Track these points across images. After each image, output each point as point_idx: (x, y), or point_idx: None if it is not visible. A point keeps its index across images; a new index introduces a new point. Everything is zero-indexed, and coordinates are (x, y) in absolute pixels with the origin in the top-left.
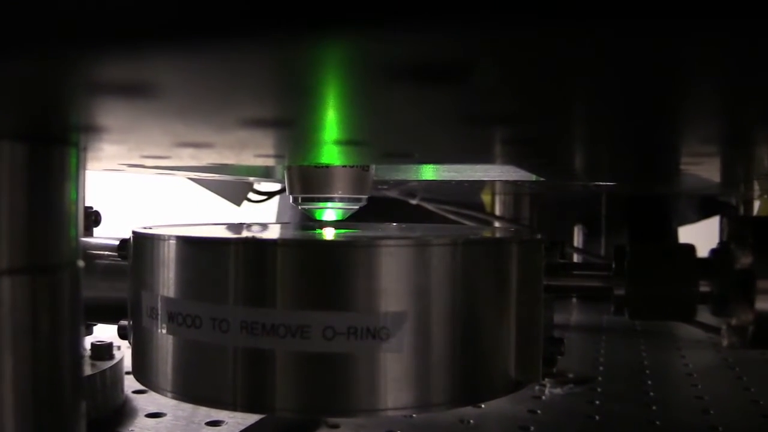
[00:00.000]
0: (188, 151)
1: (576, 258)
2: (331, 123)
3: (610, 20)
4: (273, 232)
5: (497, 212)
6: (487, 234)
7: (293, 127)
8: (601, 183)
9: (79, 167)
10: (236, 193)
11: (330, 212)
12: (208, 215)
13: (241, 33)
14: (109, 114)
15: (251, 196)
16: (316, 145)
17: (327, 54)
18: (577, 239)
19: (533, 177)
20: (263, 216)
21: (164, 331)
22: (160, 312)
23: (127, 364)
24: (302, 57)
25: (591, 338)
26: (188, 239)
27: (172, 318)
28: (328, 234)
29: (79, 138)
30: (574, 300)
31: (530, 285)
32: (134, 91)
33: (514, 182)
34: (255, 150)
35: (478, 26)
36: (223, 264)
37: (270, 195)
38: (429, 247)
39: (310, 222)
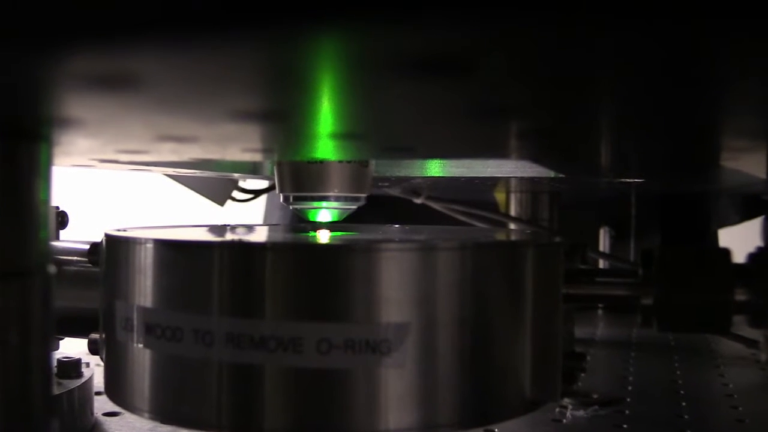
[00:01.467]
0: (169, 146)
1: (602, 264)
2: (326, 115)
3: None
4: (261, 235)
5: (512, 213)
6: (499, 237)
7: (286, 120)
8: (628, 180)
9: (49, 164)
10: (219, 192)
11: (325, 213)
12: (188, 216)
13: (231, 25)
14: (87, 106)
15: (236, 194)
16: (310, 139)
17: (323, 47)
18: (604, 243)
19: (551, 173)
20: (249, 217)
21: (141, 344)
22: (136, 324)
23: (98, 383)
24: (297, 50)
25: (619, 355)
26: (168, 243)
27: (149, 330)
28: (323, 237)
29: (50, 132)
30: (600, 312)
31: (548, 293)
32: (116, 83)
33: (531, 179)
34: (243, 144)
35: (485, 17)
36: (206, 270)
37: (257, 193)
38: (435, 252)
39: (303, 224)
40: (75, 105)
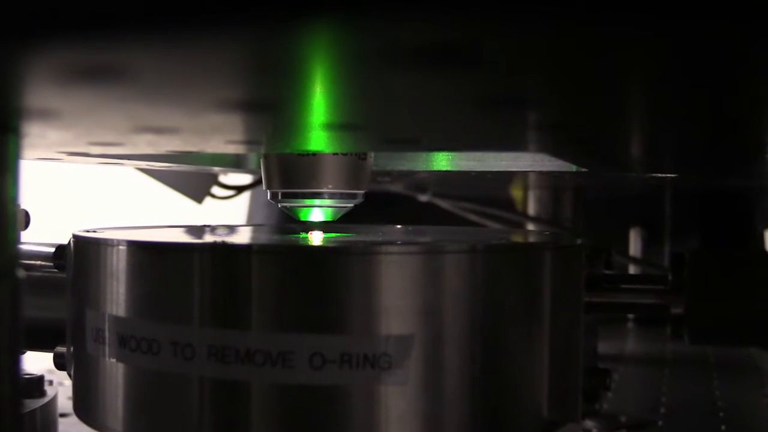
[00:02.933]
0: (147, 137)
1: (632, 269)
2: (320, 105)
3: None
4: (246, 236)
5: (531, 211)
6: (514, 238)
7: (276, 110)
8: (661, 175)
9: (17, 158)
10: (197, 187)
11: (317, 211)
12: (162, 215)
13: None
14: (65, 97)
15: (216, 190)
16: (302, 130)
17: (316, 39)
18: (635, 245)
19: (573, 167)
20: (231, 216)
21: (114, 358)
22: (108, 335)
23: (62, 403)
24: (288, 41)
25: (651, 372)
26: (143, 245)
27: (123, 342)
28: (316, 238)
29: (19, 124)
30: (630, 324)
31: (567, 301)
32: (97, 74)
33: (551, 174)
34: (228, 135)
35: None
36: (186, 275)
37: (240, 190)
38: (441, 255)
39: (292, 224)
40: (52, 96)
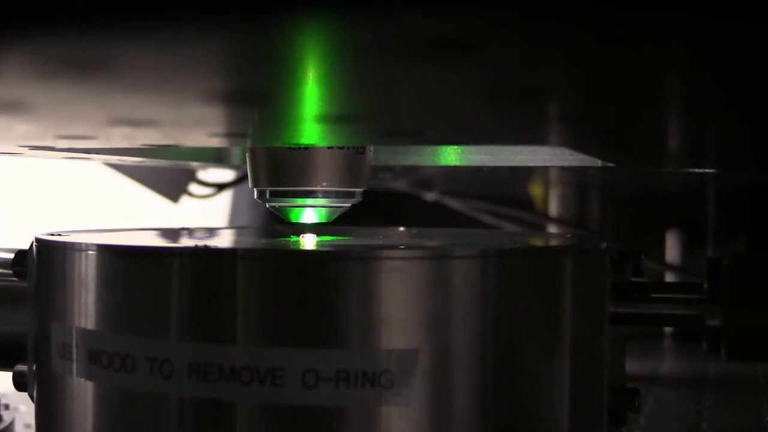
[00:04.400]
0: (123, 130)
1: (669, 277)
2: (314, 95)
3: None
4: (230, 240)
5: (552, 212)
6: (531, 242)
7: (266, 101)
8: (701, 170)
9: None
10: (173, 185)
11: (310, 212)
12: (133, 215)
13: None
14: (40, 89)
15: (193, 188)
16: (293, 121)
17: (309, 29)
18: (672, 250)
19: (598, 162)
20: (211, 217)
21: (82, 376)
22: (76, 350)
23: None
24: (279, 31)
25: (690, 394)
26: (116, 250)
27: (93, 358)
28: (308, 242)
29: None
30: (666, 340)
31: (590, 312)
32: (76, 65)
33: (574, 169)
34: (212, 127)
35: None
36: (163, 283)
37: (220, 187)
38: (450, 261)
39: (282, 226)
40: (26, 88)
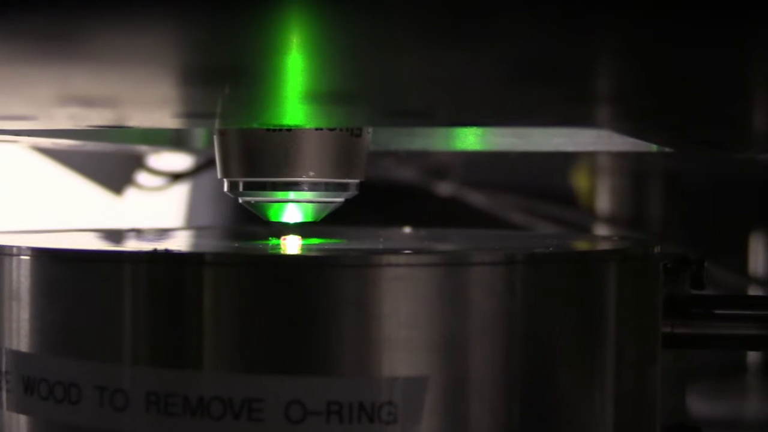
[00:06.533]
0: (71, 110)
1: (753, 290)
2: (300, 70)
3: None
4: (194, 243)
5: (602, 209)
6: (566, 246)
7: (245, 76)
8: None
9: None
10: (116, 174)
11: (294, 209)
12: (62, 211)
13: None
14: None
15: (142, 178)
16: (278, 100)
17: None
18: (757, 257)
19: (653, 147)
20: (163, 214)
21: (16, 409)
22: (7, 378)
23: None
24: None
25: None
26: (55, 255)
27: (29, 387)
28: (291, 246)
29: None
30: (752, 374)
31: (639, 332)
32: (32, 39)
33: (624, 155)
34: (179, 106)
35: None
36: (115, 296)
37: (176, 177)
38: (467, 269)
39: (257, 226)
40: None
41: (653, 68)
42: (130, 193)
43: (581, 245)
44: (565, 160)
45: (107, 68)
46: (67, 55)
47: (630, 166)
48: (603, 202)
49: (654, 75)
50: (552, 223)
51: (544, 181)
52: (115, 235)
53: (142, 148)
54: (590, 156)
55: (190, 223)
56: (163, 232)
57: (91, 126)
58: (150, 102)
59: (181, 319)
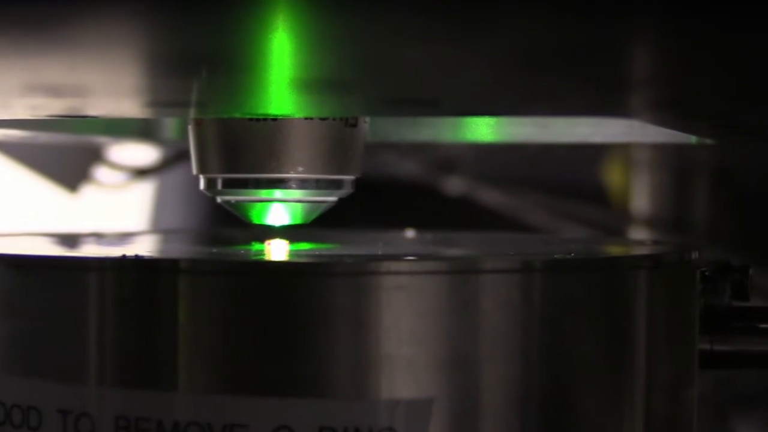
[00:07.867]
0: (35, 100)
1: None
2: (289, 52)
3: None
4: (164, 248)
5: (637, 209)
6: (591, 251)
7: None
8: None
9: None
10: (71, 169)
11: (280, 209)
12: (8, 211)
13: None
14: None
15: (102, 174)
16: (262, 86)
17: None
18: None
19: (692, 138)
20: (124, 214)
21: None
22: None
23: None
24: None
25: None
26: (12, 261)
27: None
28: (277, 251)
29: None
30: None
31: (673, 349)
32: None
33: (660, 147)
34: (154, 95)
35: None
36: (79, 308)
37: (140, 173)
38: (478, 277)
39: (237, 229)
40: None
41: (693, 51)
42: (87, 190)
43: (608, 250)
44: (595, 152)
45: (76, 54)
46: (39, 41)
47: (671, 160)
48: (640, 201)
49: (693, 59)
50: (579, 224)
51: (570, 176)
52: (72, 240)
53: (102, 139)
54: (624, 147)
55: (157, 226)
56: (127, 236)
57: (51, 116)
58: (120, 91)
59: (153, 334)
